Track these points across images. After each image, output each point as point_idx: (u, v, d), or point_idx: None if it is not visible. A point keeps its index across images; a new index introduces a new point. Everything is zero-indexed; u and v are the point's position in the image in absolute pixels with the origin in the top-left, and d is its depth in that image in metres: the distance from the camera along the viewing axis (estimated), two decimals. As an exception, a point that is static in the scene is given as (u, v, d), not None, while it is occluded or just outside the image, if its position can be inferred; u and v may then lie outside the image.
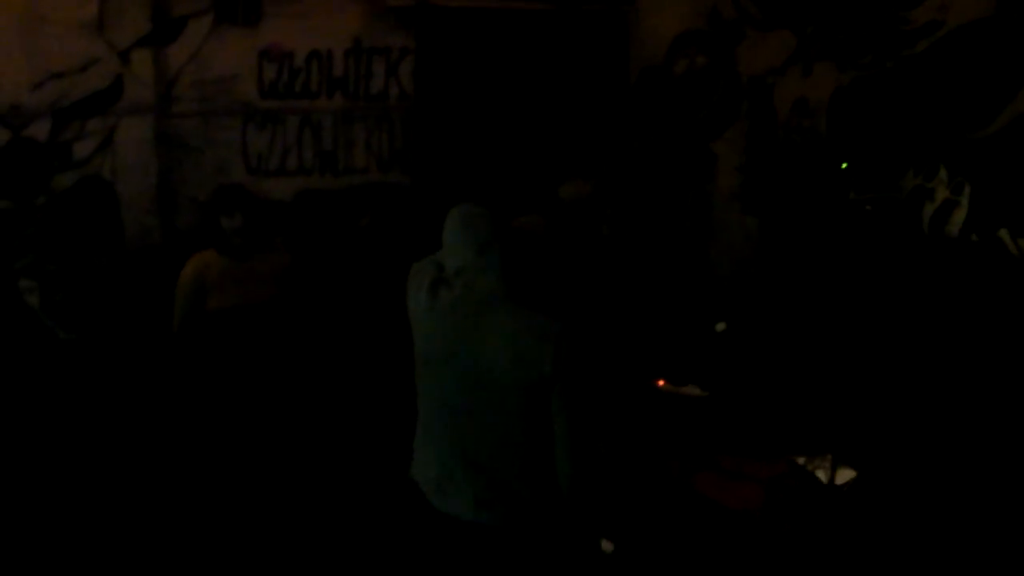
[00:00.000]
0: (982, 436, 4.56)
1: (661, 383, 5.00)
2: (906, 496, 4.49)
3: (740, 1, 6.40)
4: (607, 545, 4.39)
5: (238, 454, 4.66)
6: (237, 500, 4.61)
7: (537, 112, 6.91)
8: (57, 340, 4.54)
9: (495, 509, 3.00)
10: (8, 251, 5.31)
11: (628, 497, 4.47)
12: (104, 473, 4.73)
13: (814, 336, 5.35)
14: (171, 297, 4.77)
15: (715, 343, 5.44)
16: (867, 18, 5.64)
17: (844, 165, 5.68)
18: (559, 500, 2.97)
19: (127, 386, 4.69)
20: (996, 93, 5.01)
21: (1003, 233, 5.00)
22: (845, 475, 4.68)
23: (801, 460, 4.94)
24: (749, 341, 5.46)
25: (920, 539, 4.25)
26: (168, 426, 4.72)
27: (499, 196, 3.55)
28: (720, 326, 5.53)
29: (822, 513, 4.52)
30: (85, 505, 4.54)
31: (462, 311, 2.96)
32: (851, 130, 5.79)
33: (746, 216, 6.49)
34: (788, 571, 4.26)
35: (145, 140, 6.03)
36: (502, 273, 2.95)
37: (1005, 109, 4.98)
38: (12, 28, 5.58)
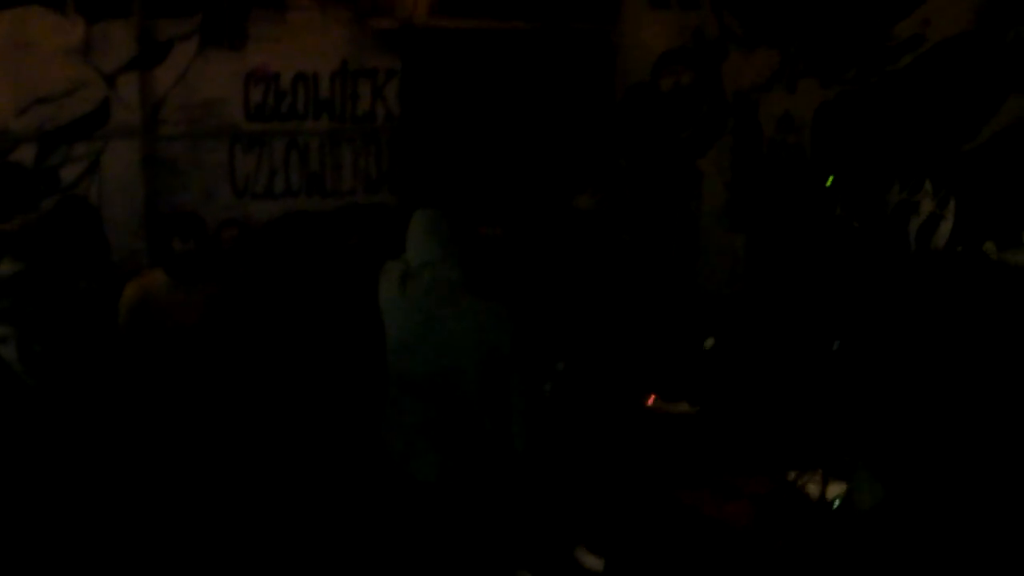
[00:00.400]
0: (973, 449, 4.56)
1: (651, 400, 5.00)
2: (898, 511, 4.49)
3: (724, 19, 6.43)
4: (596, 562, 4.38)
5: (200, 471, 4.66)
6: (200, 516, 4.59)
7: (524, 131, 6.93)
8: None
9: (457, 472, 3.37)
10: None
11: (618, 513, 4.46)
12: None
13: (802, 352, 5.36)
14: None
15: (704, 360, 5.44)
16: (850, 34, 5.67)
17: (829, 181, 5.69)
18: (513, 461, 3.38)
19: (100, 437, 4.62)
20: (979, 107, 5.04)
21: (988, 246, 5.02)
22: (835, 490, 4.68)
23: (791, 476, 4.93)
24: (738, 357, 5.46)
25: (911, 554, 4.24)
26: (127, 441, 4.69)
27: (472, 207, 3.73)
28: (708, 342, 5.53)
29: (813, 529, 4.51)
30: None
31: (429, 300, 3.34)
32: (836, 146, 5.81)
33: (733, 233, 6.50)
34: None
35: (132, 163, 6.04)
36: (462, 266, 3.33)
37: (988, 122, 5.01)
38: (-2, 53, 5.61)
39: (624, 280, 4.76)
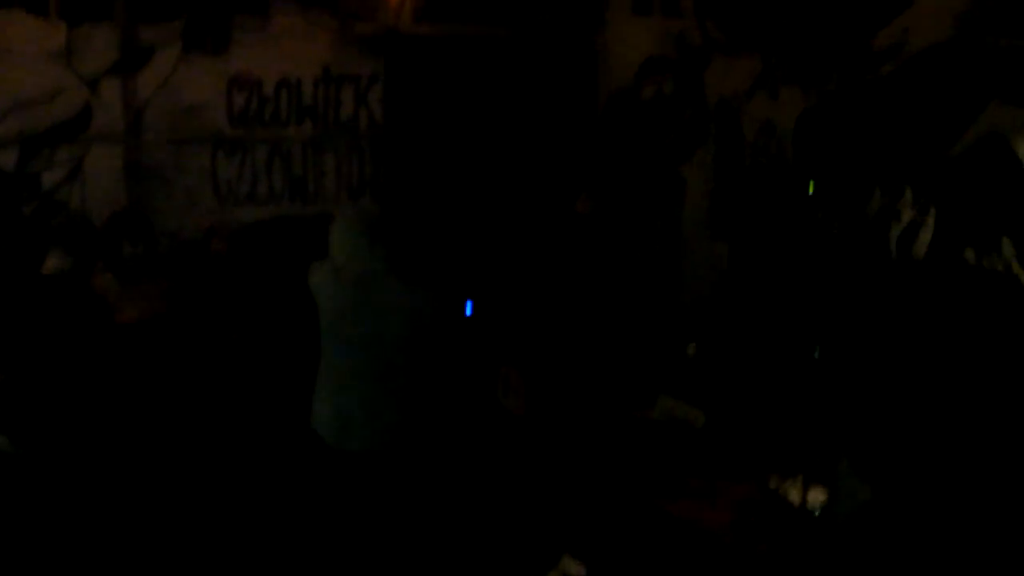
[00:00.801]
0: (955, 453, 4.57)
1: (654, 411, 5.03)
2: (879, 516, 4.50)
3: (706, 26, 6.46)
4: (578, 569, 4.38)
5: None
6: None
7: (506, 138, 6.94)
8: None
9: (386, 440, 3.68)
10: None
11: (600, 520, 4.47)
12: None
13: (784, 358, 5.38)
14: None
15: (686, 366, 5.45)
16: (832, 42, 5.70)
17: (811, 188, 5.72)
18: (438, 431, 3.73)
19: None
20: (959, 114, 5.07)
21: (969, 253, 5.05)
22: (816, 496, 4.69)
23: (773, 482, 4.95)
24: (720, 364, 5.47)
25: (892, 559, 4.26)
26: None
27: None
28: (691, 349, 5.54)
29: (794, 535, 4.53)
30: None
31: (358, 289, 3.64)
32: (817, 153, 5.84)
33: (716, 241, 6.52)
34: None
35: (114, 169, 6.02)
36: (389, 254, 3.62)
37: (968, 130, 5.04)
38: (-22, 59, 5.59)
39: (622, 284, 4.81)
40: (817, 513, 4.58)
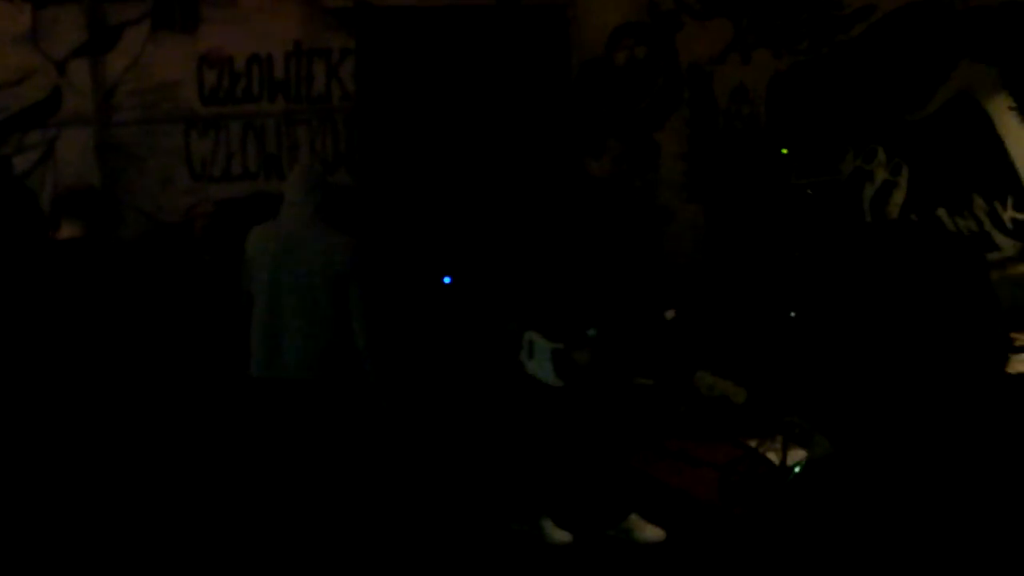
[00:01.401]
0: (928, 412, 4.64)
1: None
2: (854, 473, 4.57)
3: (678, -9, 6.46)
4: (563, 535, 4.43)
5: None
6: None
7: (480, 108, 6.92)
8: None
9: (313, 369, 4.09)
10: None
11: (581, 485, 4.51)
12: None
13: (761, 320, 5.42)
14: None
15: (665, 330, 5.48)
16: (802, 4, 5.71)
17: (784, 150, 5.75)
18: (360, 363, 4.15)
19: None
20: (930, 75, 5.10)
21: (941, 212, 5.10)
22: (796, 456, 4.76)
23: (753, 443, 5.01)
24: (698, 327, 5.51)
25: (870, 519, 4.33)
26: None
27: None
28: (669, 314, 5.56)
29: (776, 496, 4.59)
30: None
31: (291, 227, 4.14)
32: (790, 115, 5.86)
33: (691, 204, 6.55)
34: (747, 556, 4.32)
35: (86, 150, 5.97)
36: (320, 205, 4.13)
37: (939, 91, 5.08)
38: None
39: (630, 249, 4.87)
40: (797, 471, 4.64)
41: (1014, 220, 4.80)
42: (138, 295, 4.31)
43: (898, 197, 5.24)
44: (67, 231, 4.14)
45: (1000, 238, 4.84)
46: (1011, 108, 4.77)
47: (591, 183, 4.49)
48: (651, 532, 4.47)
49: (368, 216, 6.11)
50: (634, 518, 4.49)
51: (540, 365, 4.36)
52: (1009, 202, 4.78)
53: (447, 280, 6.22)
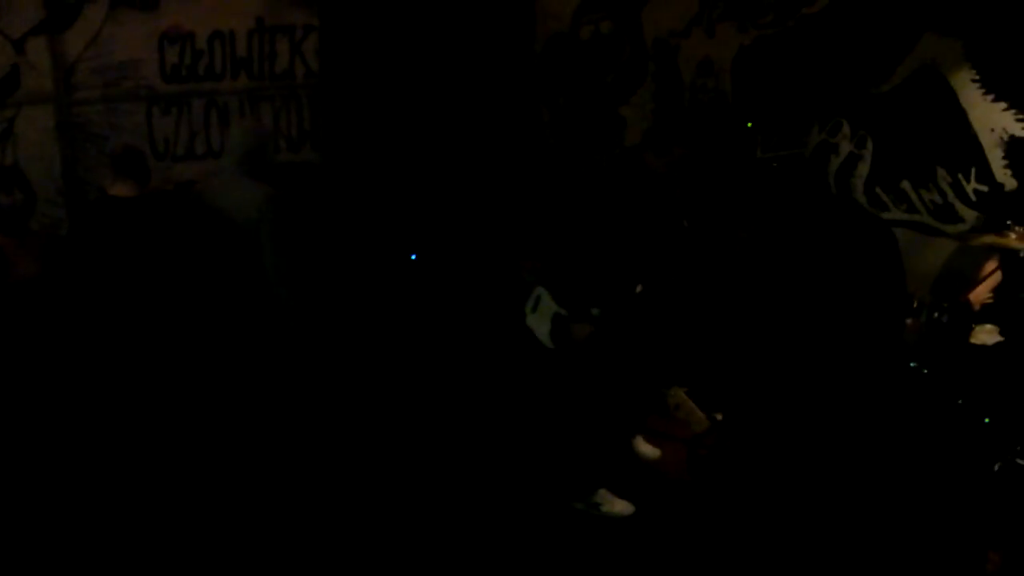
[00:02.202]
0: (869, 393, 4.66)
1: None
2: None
3: (642, -36, 6.44)
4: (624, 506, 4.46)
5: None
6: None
7: (444, 84, 6.89)
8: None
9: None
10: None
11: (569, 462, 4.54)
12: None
13: (727, 295, 5.43)
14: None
15: (634, 304, 5.49)
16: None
17: (749, 124, 5.76)
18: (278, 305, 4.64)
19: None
20: (893, 48, 5.11)
21: (905, 184, 5.13)
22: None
23: (720, 416, 5.05)
24: (665, 301, 5.52)
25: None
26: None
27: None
28: (637, 288, 5.57)
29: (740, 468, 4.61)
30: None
31: (225, 179, 4.81)
32: (755, 89, 5.87)
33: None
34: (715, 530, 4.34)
35: (47, 130, 5.91)
36: (243, 159, 4.74)
37: (903, 63, 5.09)
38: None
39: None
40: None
41: (977, 192, 4.82)
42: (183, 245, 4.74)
43: (863, 170, 5.26)
44: (121, 189, 4.65)
45: (963, 210, 4.87)
46: (974, 81, 4.78)
47: (647, 175, 4.71)
48: (620, 506, 4.51)
49: (334, 192, 6.15)
50: (603, 492, 4.52)
51: (539, 322, 4.45)
52: (972, 174, 4.81)
53: (413, 257, 6.21)
